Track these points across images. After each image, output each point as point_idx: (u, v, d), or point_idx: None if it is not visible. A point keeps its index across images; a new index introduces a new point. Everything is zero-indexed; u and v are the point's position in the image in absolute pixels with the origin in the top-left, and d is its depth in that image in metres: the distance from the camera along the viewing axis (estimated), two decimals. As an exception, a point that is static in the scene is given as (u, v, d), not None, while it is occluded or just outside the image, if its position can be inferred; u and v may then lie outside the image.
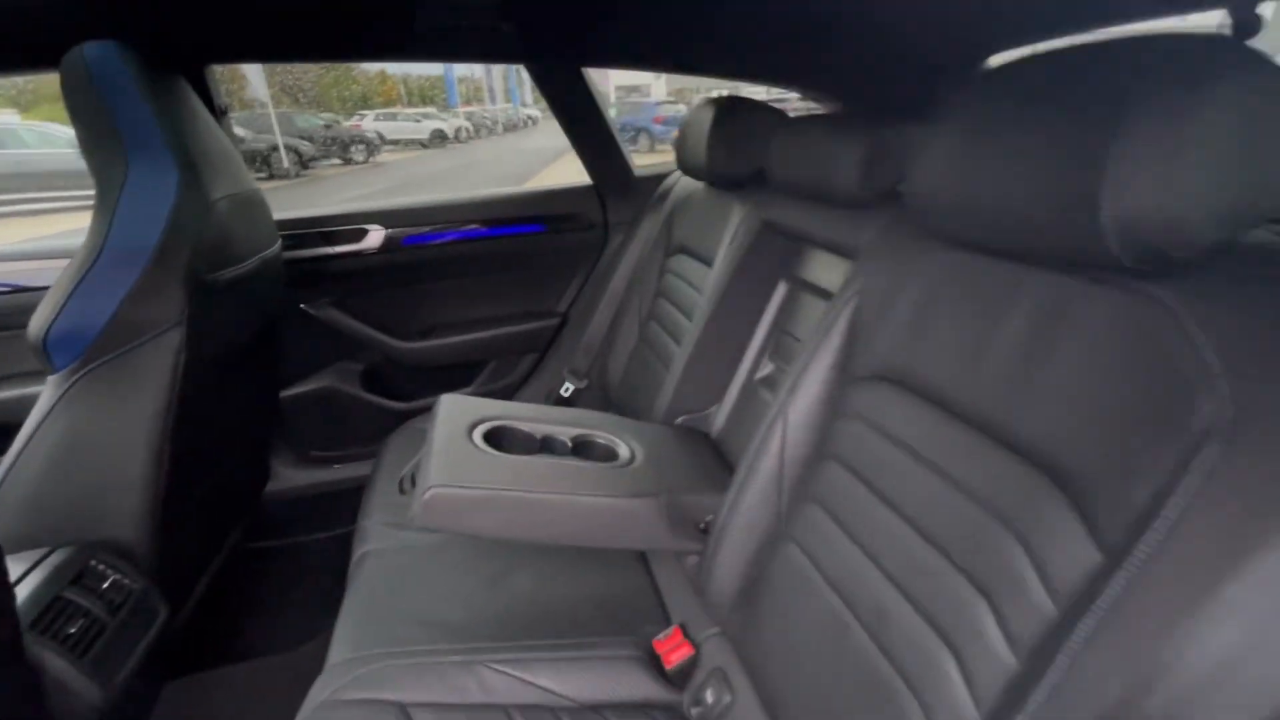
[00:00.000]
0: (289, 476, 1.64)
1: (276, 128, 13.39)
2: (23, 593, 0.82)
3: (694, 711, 0.86)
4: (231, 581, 1.36)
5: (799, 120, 1.02)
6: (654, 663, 0.92)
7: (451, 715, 0.81)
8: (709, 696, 0.85)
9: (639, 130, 14.29)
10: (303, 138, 14.12)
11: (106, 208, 0.92)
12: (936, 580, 0.57)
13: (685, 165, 1.35)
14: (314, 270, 1.52)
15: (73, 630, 0.84)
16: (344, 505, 1.28)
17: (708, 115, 1.23)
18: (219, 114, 1.30)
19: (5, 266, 1.44)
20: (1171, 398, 0.42)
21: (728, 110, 1.20)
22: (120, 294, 0.89)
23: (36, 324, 0.89)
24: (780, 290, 1.12)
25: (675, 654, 0.92)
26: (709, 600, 0.91)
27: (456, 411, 0.99)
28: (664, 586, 1.06)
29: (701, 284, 1.26)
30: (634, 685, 0.89)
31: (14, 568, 0.85)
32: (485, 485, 0.82)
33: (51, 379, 0.93)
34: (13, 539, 0.90)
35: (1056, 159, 0.47)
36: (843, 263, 0.97)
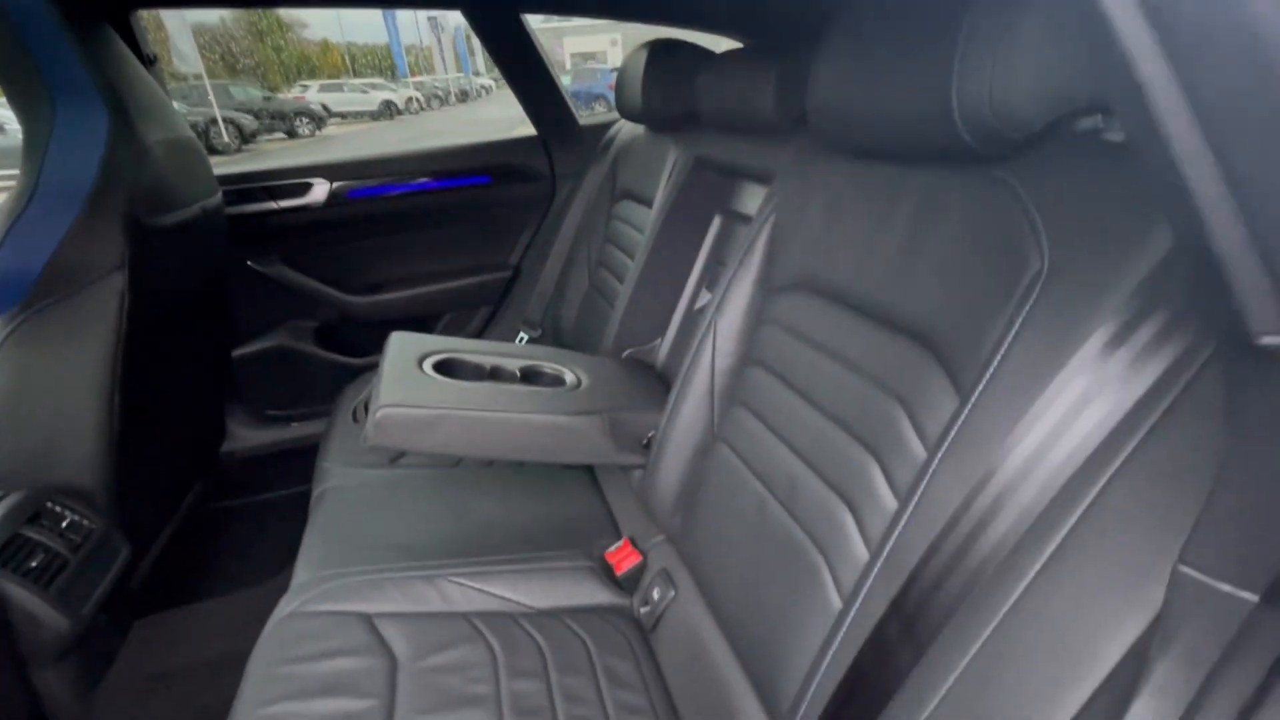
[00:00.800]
0: (246, 436, 1.65)
1: (213, 99, 12.75)
2: (-20, 531, 0.84)
3: (642, 610, 0.94)
4: (195, 534, 1.38)
5: (719, 56, 1.07)
6: (606, 572, 0.99)
7: (415, 623, 0.86)
8: (655, 595, 0.93)
9: (596, 97, 14.08)
10: (242, 110, 13.48)
11: (35, 152, 0.91)
12: (836, 450, 0.65)
13: (624, 109, 1.39)
14: (259, 226, 1.51)
15: (34, 564, 0.86)
16: (303, 463, 1.31)
17: (641, 59, 1.26)
18: (147, 62, 1.27)
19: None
20: (1009, 259, 0.50)
21: (660, 53, 1.24)
22: (57, 236, 0.90)
23: None
24: (715, 223, 1.18)
25: (625, 562, 1.00)
26: (653, 509, 0.98)
27: (406, 346, 1.03)
28: (615, 506, 1.13)
29: (645, 226, 1.30)
30: (587, 592, 0.96)
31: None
32: (434, 405, 0.86)
33: None
34: None
35: (916, 65, 0.54)
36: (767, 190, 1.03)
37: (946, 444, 0.49)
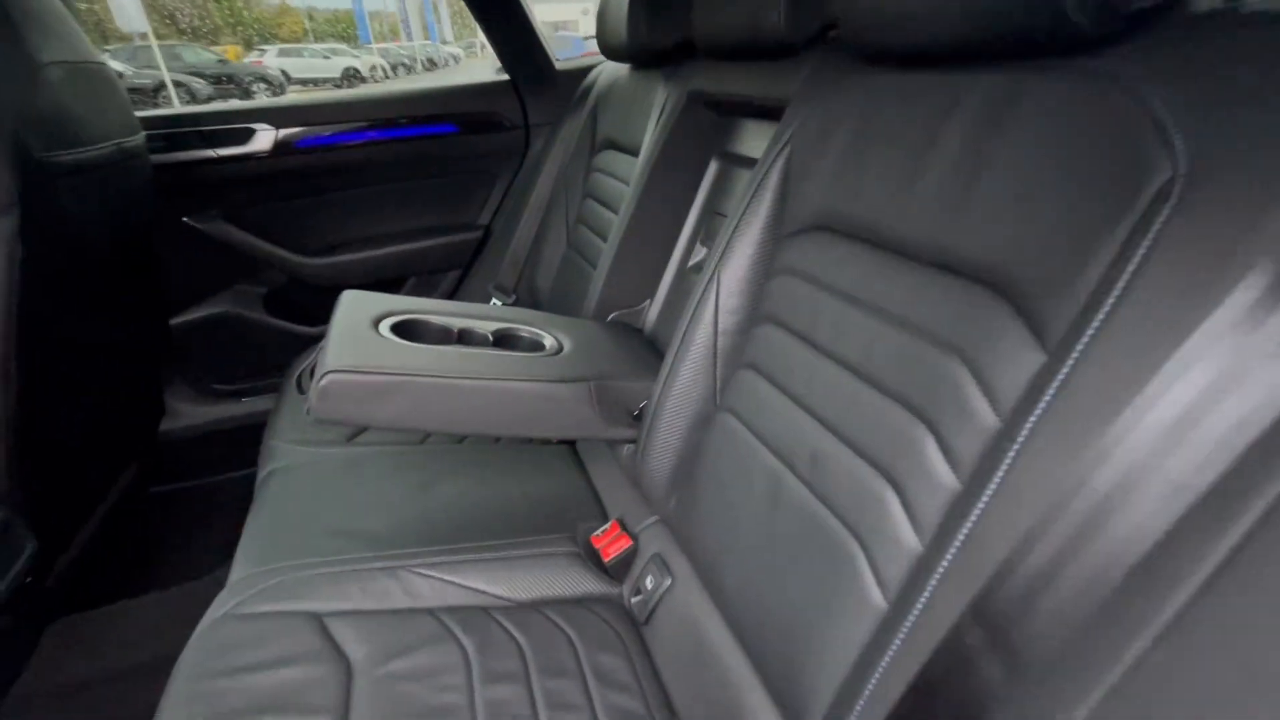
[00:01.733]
0: (188, 413, 1.49)
1: (161, 62, 12.03)
2: None
3: (634, 600, 0.84)
4: (128, 525, 1.24)
5: None
6: (593, 558, 0.89)
7: (374, 622, 0.75)
8: (648, 583, 0.83)
9: (570, 66, 13.64)
10: (194, 75, 12.76)
11: None
12: (872, 416, 0.54)
13: (606, 46, 1.25)
14: (195, 177, 1.34)
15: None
16: (253, 441, 1.17)
17: None
18: None
19: None
20: (1123, 169, 0.39)
21: None
22: None
23: None
24: (711, 169, 1.05)
25: (613, 546, 0.89)
26: (645, 487, 0.87)
27: (360, 304, 0.89)
28: (600, 485, 1.02)
29: (630, 177, 1.18)
30: (572, 581, 0.86)
31: None
32: (391, 370, 0.74)
33: None
34: None
35: None
36: (774, 127, 0.91)
37: (1039, 411, 0.38)
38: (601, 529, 0.91)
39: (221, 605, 0.72)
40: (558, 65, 1.57)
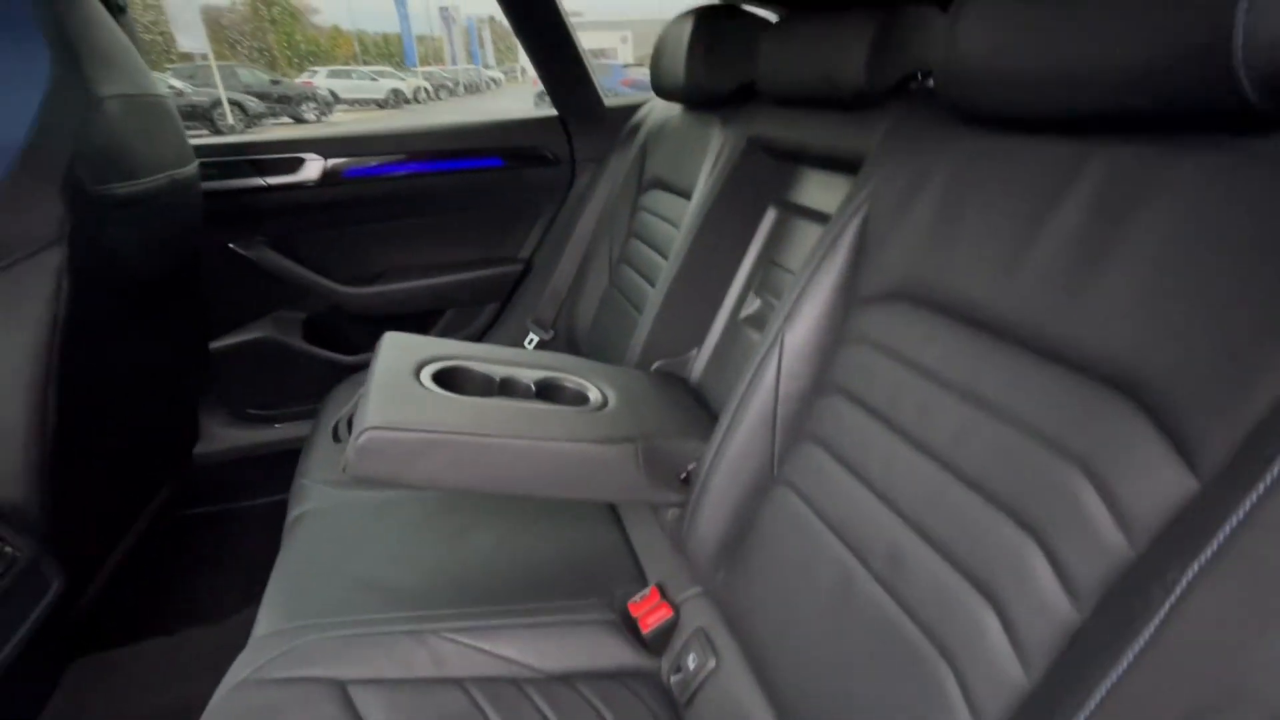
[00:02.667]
0: (223, 436, 1.48)
1: (219, 80, 12.57)
2: None
3: (674, 679, 0.78)
4: (156, 551, 1.22)
5: (794, 17, 0.90)
6: (629, 627, 0.83)
7: (398, 693, 0.70)
8: (690, 662, 0.77)
9: (608, 94, 13.89)
10: (249, 93, 13.30)
11: None
12: (966, 519, 0.48)
13: (660, 86, 1.22)
14: (243, 204, 1.35)
15: (-69, 605, 0.70)
16: (285, 467, 1.15)
17: (685, 27, 1.10)
18: (115, 10, 1.11)
19: None
20: None
21: (709, 18, 1.07)
22: None
23: None
24: (769, 217, 1.01)
25: (652, 616, 0.83)
26: (690, 556, 0.82)
27: (401, 350, 0.86)
28: (639, 544, 0.96)
29: (679, 219, 1.14)
30: (607, 652, 0.80)
31: None
32: (432, 428, 0.70)
33: None
34: None
35: None
36: (841, 180, 0.86)
37: (1205, 558, 0.32)
38: (640, 595, 0.85)
39: (243, 668, 0.68)
40: (607, 102, 1.56)
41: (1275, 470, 0.31)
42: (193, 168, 1.11)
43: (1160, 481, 0.38)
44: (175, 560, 1.27)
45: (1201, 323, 0.38)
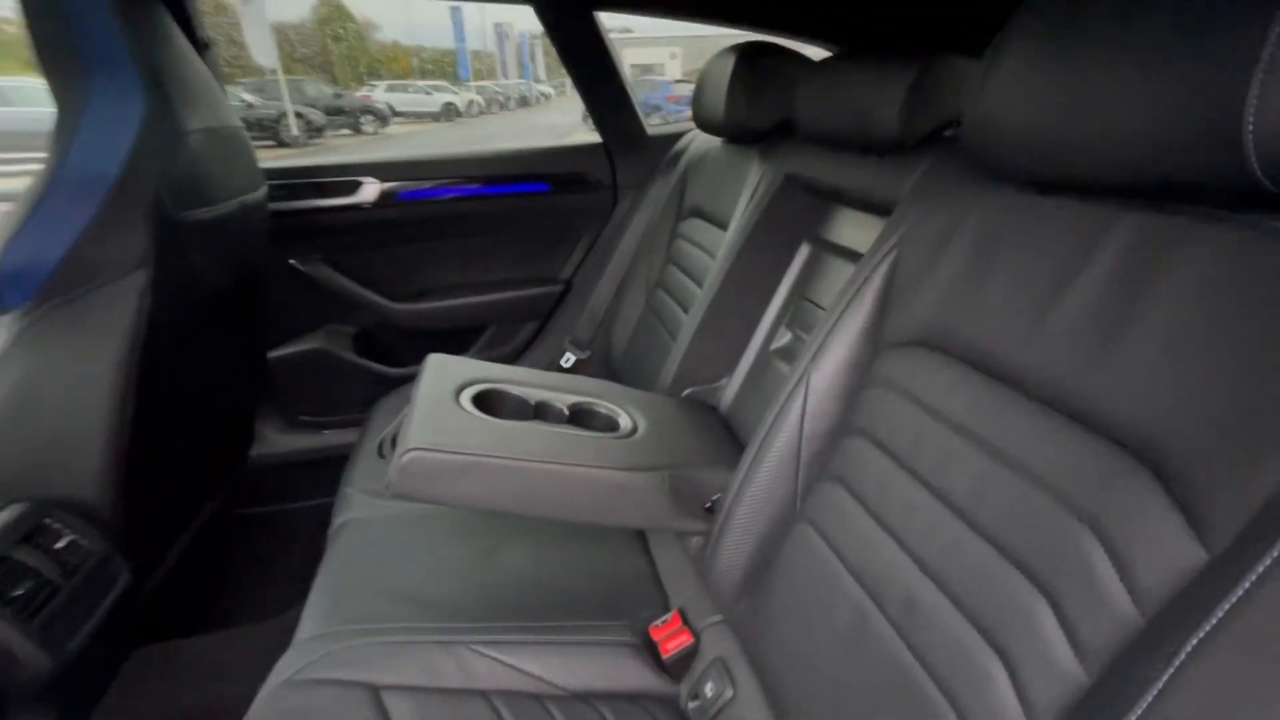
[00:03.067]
0: (276, 441, 1.57)
1: (286, 94, 13.23)
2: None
3: (691, 705, 0.79)
4: (209, 548, 1.30)
5: (827, 61, 0.92)
6: (650, 651, 0.85)
7: (427, 701, 0.74)
8: (708, 690, 0.78)
9: (653, 109, 14.09)
10: (313, 106, 13.96)
11: (64, 134, 0.83)
12: (980, 571, 0.49)
13: (702, 119, 1.26)
14: (304, 223, 1.44)
15: (20, 592, 0.77)
16: (332, 472, 1.22)
17: (727, 63, 1.13)
18: (201, 46, 1.21)
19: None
20: None
21: (750, 56, 1.10)
22: (78, 227, 0.81)
23: None
24: (802, 253, 1.03)
25: (673, 642, 0.85)
26: (712, 585, 0.83)
27: (444, 372, 0.91)
28: (664, 570, 0.98)
29: (715, 248, 1.17)
30: (627, 674, 0.82)
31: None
32: (470, 451, 0.74)
33: (4, 320, 0.85)
34: None
35: (1181, 63, 0.38)
36: (875, 221, 0.87)
37: (1205, 630, 0.33)
38: (662, 620, 0.87)
39: (286, 669, 0.73)
40: (649, 131, 1.60)
41: (1269, 558, 0.31)
42: (261, 192, 1.19)
43: (1170, 550, 0.38)
44: (227, 559, 1.35)
45: (1214, 396, 0.38)
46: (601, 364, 1.53)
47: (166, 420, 1.02)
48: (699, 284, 1.19)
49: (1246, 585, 0.32)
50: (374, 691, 0.73)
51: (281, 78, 13.88)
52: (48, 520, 0.85)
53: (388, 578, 0.89)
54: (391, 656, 0.76)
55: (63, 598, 0.81)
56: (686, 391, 1.11)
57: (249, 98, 13.38)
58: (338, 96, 16.09)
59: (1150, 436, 0.41)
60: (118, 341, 0.88)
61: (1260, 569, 0.32)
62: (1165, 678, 0.33)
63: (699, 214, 1.29)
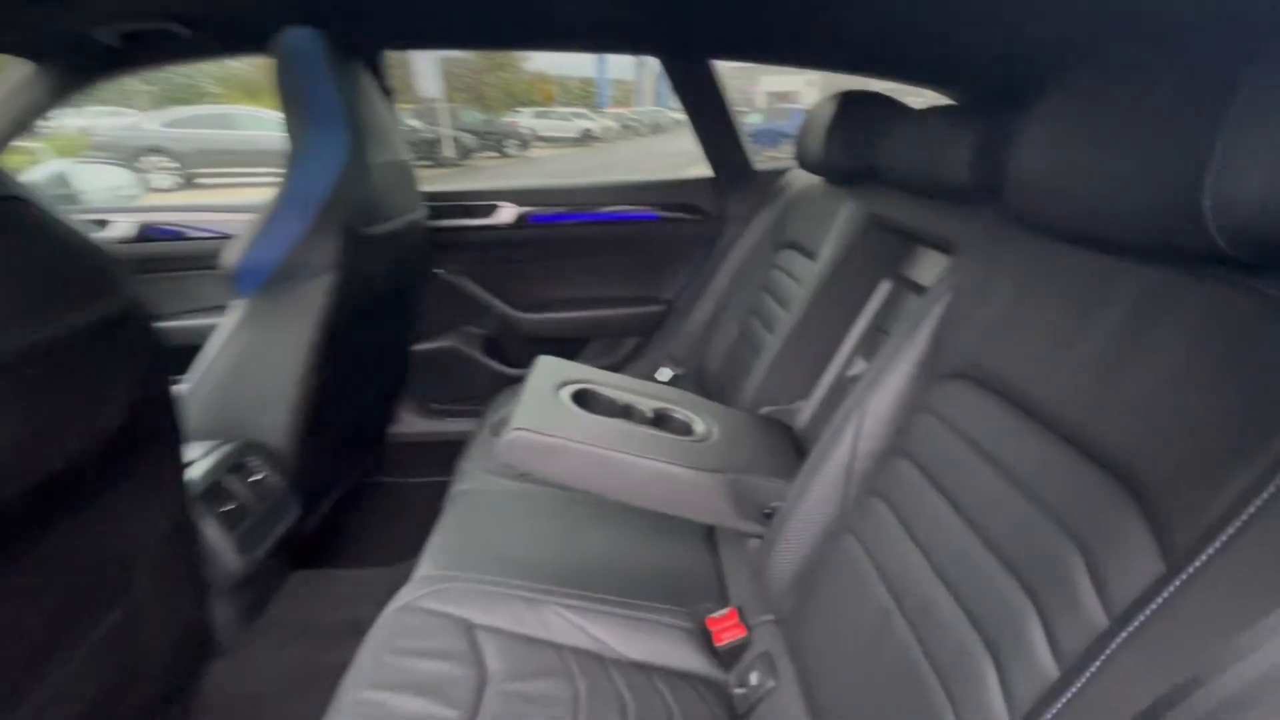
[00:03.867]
0: (410, 423, 1.83)
1: (445, 120, 14.70)
2: (195, 473, 1.01)
3: (737, 691, 0.87)
4: (354, 504, 1.56)
5: (913, 112, 0.99)
6: (704, 638, 0.94)
7: (511, 643, 0.88)
8: (753, 679, 0.86)
9: (785, 136, 14.02)
10: (467, 131, 15.38)
11: (291, 164, 1.10)
12: (986, 581, 0.55)
13: (802, 159, 1.35)
14: (450, 239, 1.69)
15: (227, 509, 1.02)
16: (453, 454, 1.42)
17: (829, 109, 1.22)
18: (386, 93, 1.49)
19: (211, 217, 1.74)
20: (1267, 398, 0.38)
21: (848, 103, 1.18)
22: (295, 237, 1.07)
23: (231, 256, 1.09)
24: (883, 288, 1.09)
25: (727, 634, 0.94)
26: (765, 585, 0.91)
27: (550, 370, 1.07)
28: (727, 569, 1.07)
29: (805, 279, 1.25)
30: (682, 655, 0.92)
31: (191, 452, 1.04)
32: (562, 436, 0.88)
33: (235, 304, 1.13)
34: (194, 430, 1.10)
35: (1157, 142, 0.44)
36: (947, 262, 0.93)
37: (1140, 620, 0.39)
38: (720, 613, 0.96)
39: (405, 596, 0.91)
40: (756, 166, 1.71)
41: (1192, 567, 0.37)
42: (421, 212, 1.44)
43: (1137, 565, 0.43)
44: (366, 514, 1.61)
45: (1190, 432, 0.43)
46: (694, 381, 1.64)
47: (335, 394, 1.27)
48: (787, 310, 1.28)
49: (1166, 595, 0.37)
50: (468, 626, 0.88)
51: (443, 104, 15.45)
52: (248, 458, 1.10)
53: (490, 540, 1.05)
54: (485, 601, 0.92)
55: (253, 518, 1.05)
56: (764, 410, 1.19)
57: (414, 122, 15.01)
58: (487, 122, 17.58)
59: (1136, 466, 0.46)
60: (309, 327, 1.12)
61: (1197, 564, 0.38)
62: (1102, 657, 0.39)
63: (794, 246, 1.38)
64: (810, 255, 1.27)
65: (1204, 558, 0.37)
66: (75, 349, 0.59)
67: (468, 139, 14.86)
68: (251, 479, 1.08)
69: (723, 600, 1.02)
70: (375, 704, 0.74)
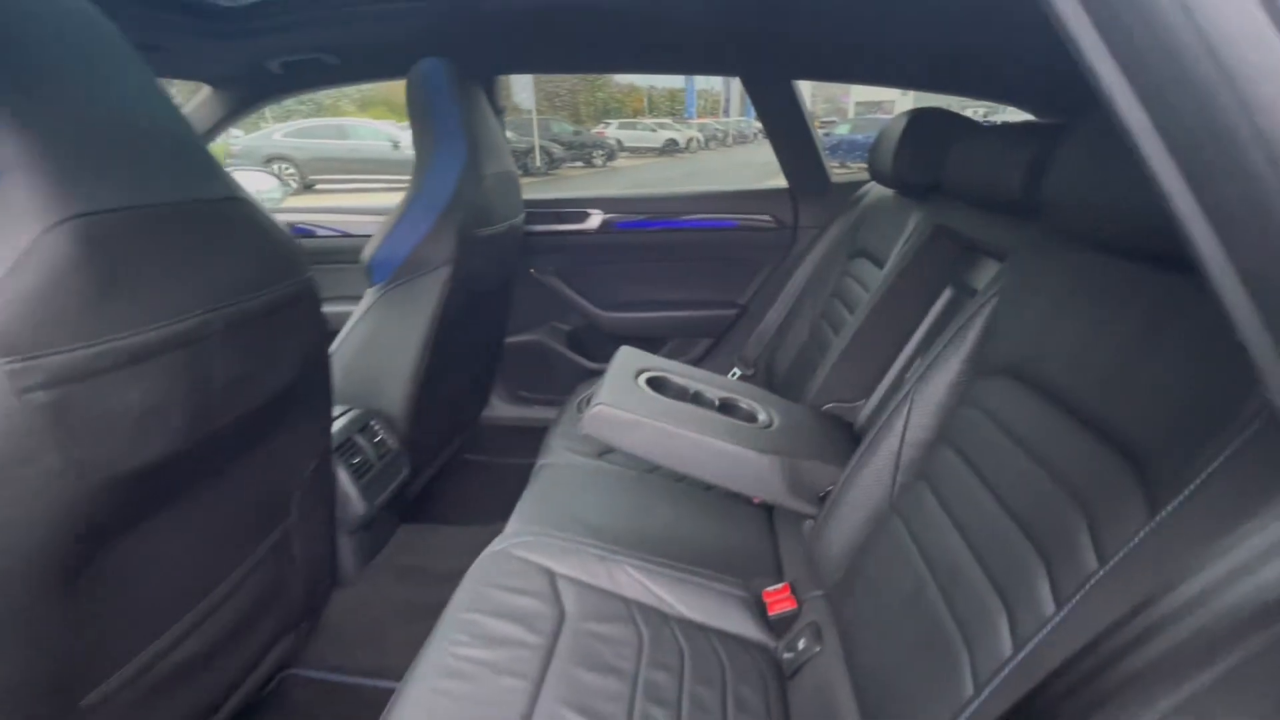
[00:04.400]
0: (499, 408, 2.02)
1: (536, 132, 15.35)
2: (333, 429, 1.21)
3: (785, 655, 0.96)
4: (449, 477, 1.75)
5: (977, 127, 1.05)
6: (758, 608, 1.03)
7: (586, 592, 1.01)
8: (801, 644, 0.95)
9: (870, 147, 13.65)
10: (555, 141, 15.98)
11: (419, 175, 1.29)
12: (1006, 546, 0.62)
13: (875, 172, 1.42)
14: (544, 242, 1.86)
15: (355, 461, 1.21)
16: (536, 439, 1.58)
17: (900, 125, 1.28)
18: (497, 111, 1.68)
19: (337, 218, 2.00)
20: (1235, 380, 0.45)
21: (919, 121, 1.25)
22: (420, 235, 1.25)
23: (367, 251, 1.29)
24: (945, 295, 1.14)
25: (779, 605, 1.02)
26: (816, 562, 1.00)
27: (630, 358, 1.20)
28: (784, 549, 1.16)
29: (873, 285, 1.31)
30: (736, 620, 1.02)
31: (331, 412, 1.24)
32: (638, 413, 1.01)
33: (368, 291, 1.33)
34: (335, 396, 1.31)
35: None
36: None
37: (1118, 559, 0.46)
38: (774, 586, 1.05)
39: (499, 544, 1.06)
40: (832, 179, 1.78)
41: (1165, 511, 0.44)
42: (521, 217, 1.61)
43: (1129, 524, 0.50)
44: (460, 485, 1.80)
45: (1185, 413, 0.50)
46: (763, 382, 1.73)
47: (442, 375, 1.46)
48: (854, 316, 1.35)
49: (1142, 534, 0.45)
50: (550, 574, 1.02)
51: (534, 117, 16.15)
52: (372, 422, 1.30)
53: (570, 507, 1.19)
54: (565, 554, 1.05)
55: (374, 472, 1.24)
56: (826, 406, 1.27)
57: (509, 134, 15.75)
58: (576, 133, 18.17)
59: (1137, 441, 0.53)
60: (425, 314, 1.31)
61: (1152, 524, 0.45)
62: (1078, 598, 0.47)
63: (865, 255, 1.45)
64: (879, 264, 1.34)
65: (1176, 503, 0.44)
66: (272, 316, 0.77)
67: (556, 149, 15.42)
68: (375, 440, 1.27)
69: (778, 576, 1.10)
70: (474, 623, 0.88)
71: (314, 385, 0.94)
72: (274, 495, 0.94)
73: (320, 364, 0.93)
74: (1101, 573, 0.46)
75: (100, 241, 0.56)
